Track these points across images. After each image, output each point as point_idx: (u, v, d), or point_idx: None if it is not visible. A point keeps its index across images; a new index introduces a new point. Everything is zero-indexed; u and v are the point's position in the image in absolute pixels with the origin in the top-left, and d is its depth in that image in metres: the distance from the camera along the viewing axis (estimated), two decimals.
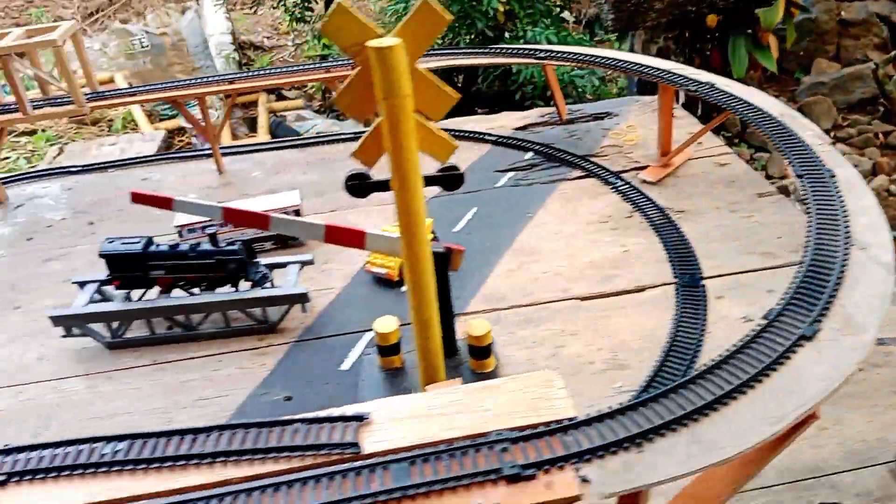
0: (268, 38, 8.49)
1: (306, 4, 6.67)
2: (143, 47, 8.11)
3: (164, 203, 1.77)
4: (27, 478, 1.17)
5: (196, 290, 2.20)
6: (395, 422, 1.25)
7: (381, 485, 1.12)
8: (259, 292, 2.17)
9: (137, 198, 1.80)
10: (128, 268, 2.11)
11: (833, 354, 1.39)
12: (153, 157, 3.72)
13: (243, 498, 1.11)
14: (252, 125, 6.43)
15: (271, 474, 1.16)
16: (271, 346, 2.21)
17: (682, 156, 3.34)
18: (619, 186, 3.16)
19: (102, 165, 3.58)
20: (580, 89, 5.15)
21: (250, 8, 8.48)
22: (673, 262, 2.57)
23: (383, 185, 1.51)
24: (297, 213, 2.68)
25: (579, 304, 2.39)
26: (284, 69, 3.52)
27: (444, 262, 1.85)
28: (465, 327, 1.92)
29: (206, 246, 2.13)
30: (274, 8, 7.74)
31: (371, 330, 2.19)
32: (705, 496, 1.36)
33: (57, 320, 2.17)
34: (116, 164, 3.60)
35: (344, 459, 1.18)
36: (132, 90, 3.35)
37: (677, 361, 2.06)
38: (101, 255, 2.09)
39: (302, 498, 1.11)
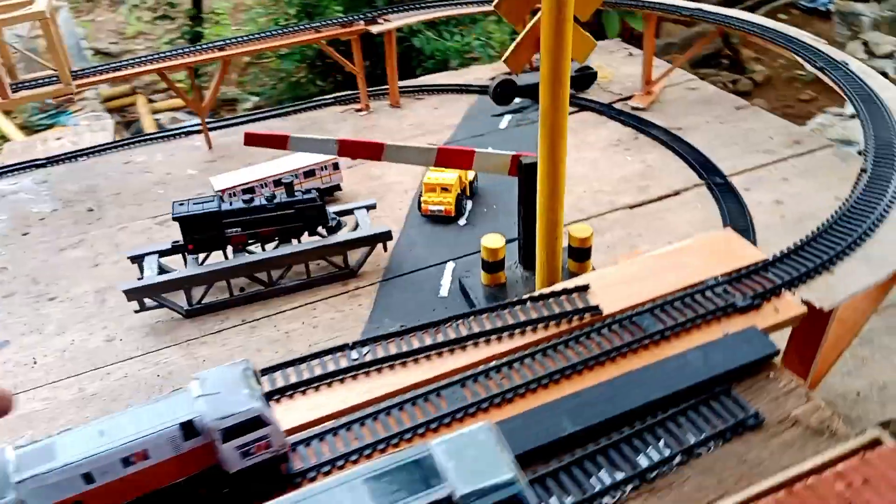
0: (114, 43, 7.78)
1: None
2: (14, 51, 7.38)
3: (280, 142, 1.74)
4: (299, 390, 1.16)
5: (270, 246, 2.15)
6: (611, 287, 1.35)
7: (633, 335, 1.21)
8: (346, 236, 2.15)
9: (251, 139, 1.75)
10: (203, 228, 2.03)
11: None
12: (133, 140, 3.51)
13: (516, 366, 1.17)
14: (129, 126, 6.06)
15: (526, 346, 1.22)
16: (360, 289, 2.21)
17: (658, 85, 3.60)
18: (616, 115, 3.39)
19: (85, 152, 3.36)
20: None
21: (87, 14, 7.75)
22: (694, 168, 2.80)
23: (531, 90, 1.57)
24: (336, 165, 2.67)
25: (630, 211, 2.58)
26: (273, 32, 3.43)
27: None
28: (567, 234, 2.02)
29: (283, 197, 2.08)
30: (113, 12, 7.17)
31: (450, 261, 2.32)
32: (853, 317, 1.57)
33: (132, 294, 2.05)
34: (97, 150, 3.38)
35: (587, 322, 1.26)
36: (116, 65, 3.13)
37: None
38: (176, 219, 1.99)
39: (564, 357, 1.18)
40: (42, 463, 0.76)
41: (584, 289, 1.32)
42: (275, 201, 2.07)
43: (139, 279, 2.12)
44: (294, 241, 2.16)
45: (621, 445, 1.01)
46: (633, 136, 3.14)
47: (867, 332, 1.84)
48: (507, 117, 3.62)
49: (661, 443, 1.02)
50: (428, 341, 1.23)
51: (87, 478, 0.77)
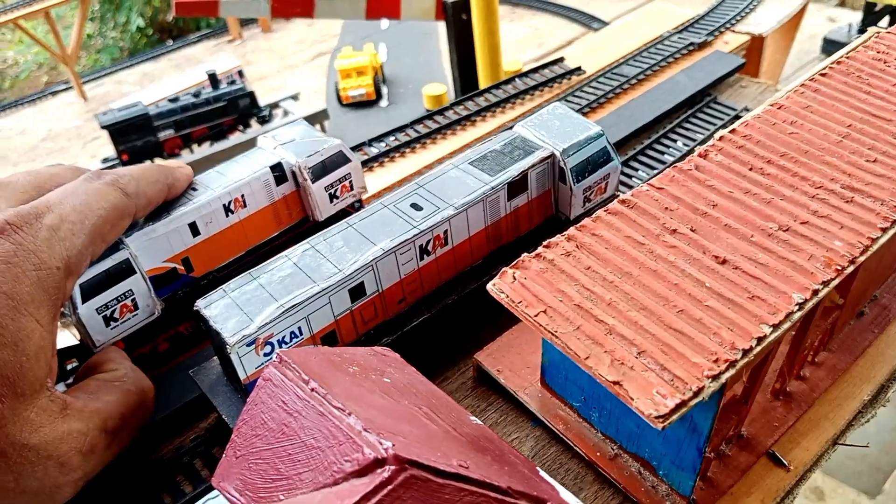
0: None
1: None
2: None
3: (210, 8, 1.65)
4: None
5: (207, 145, 2.07)
6: (581, 58, 1.43)
7: (619, 82, 1.30)
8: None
9: (182, 8, 1.65)
10: (135, 135, 1.92)
11: None
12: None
13: None
14: None
15: (530, 110, 1.28)
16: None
17: None
18: None
19: None
20: None
21: None
22: (577, 21, 2.95)
23: None
24: (241, 73, 2.56)
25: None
26: None
27: None
28: None
29: (209, 91, 2.00)
30: None
31: None
32: (778, 43, 1.75)
33: None
34: None
35: (575, 83, 1.34)
36: None
37: None
38: (105, 128, 1.87)
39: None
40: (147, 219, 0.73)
41: (560, 60, 1.40)
42: (202, 96, 1.98)
43: None
44: (232, 137, 2.09)
45: (646, 151, 1.11)
46: (511, 10, 3.25)
47: None
48: (385, 20, 3.61)
49: (679, 143, 1.13)
50: (443, 122, 1.26)
51: (193, 229, 0.76)
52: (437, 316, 0.74)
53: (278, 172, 0.80)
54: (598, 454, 0.63)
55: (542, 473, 0.48)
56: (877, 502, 2.24)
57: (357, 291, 0.67)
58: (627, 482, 0.60)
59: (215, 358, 0.72)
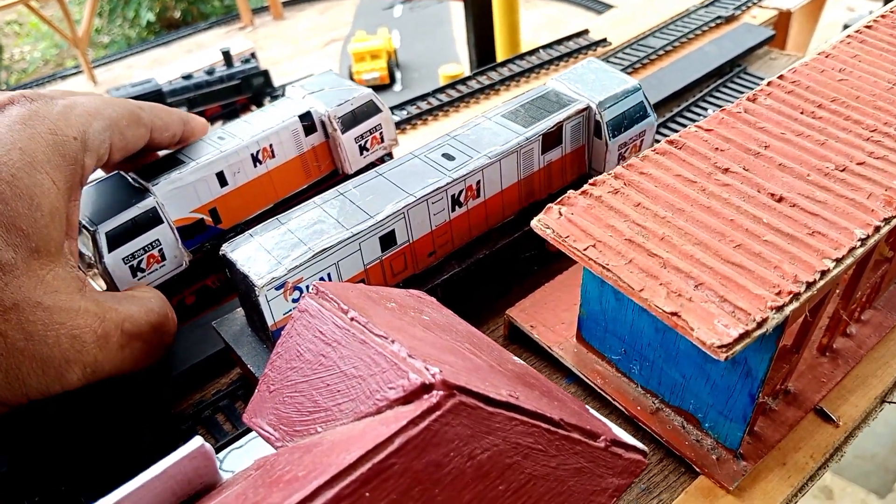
0: None
1: None
2: None
3: None
4: None
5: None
6: (607, 31, 1.40)
7: (646, 53, 1.28)
8: None
9: None
10: None
11: None
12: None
13: None
14: None
15: None
16: None
17: None
18: None
19: None
20: None
21: None
22: (591, 9, 2.92)
23: None
24: (253, 54, 2.54)
25: None
26: None
27: None
28: None
29: (223, 69, 1.98)
30: None
31: None
32: (806, 18, 1.71)
33: None
34: None
35: (600, 54, 1.31)
36: None
37: None
38: None
39: None
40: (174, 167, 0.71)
41: (584, 32, 1.37)
42: (216, 74, 1.96)
43: None
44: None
45: (675, 118, 1.08)
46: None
47: None
48: (398, 7, 3.59)
49: (710, 111, 1.10)
50: (464, 90, 1.24)
51: (221, 179, 0.74)
52: (468, 271, 0.72)
53: (307, 122, 0.78)
54: (639, 408, 0.60)
55: (592, 411, 0.46)
56: (886, 502, 2.21)
57: (388, 240, 0.65)
58: (670, 436, 0.58)
59: (239, 310, 0.69)
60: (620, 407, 0.61)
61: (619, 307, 0.58)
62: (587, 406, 0.47)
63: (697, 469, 0.56)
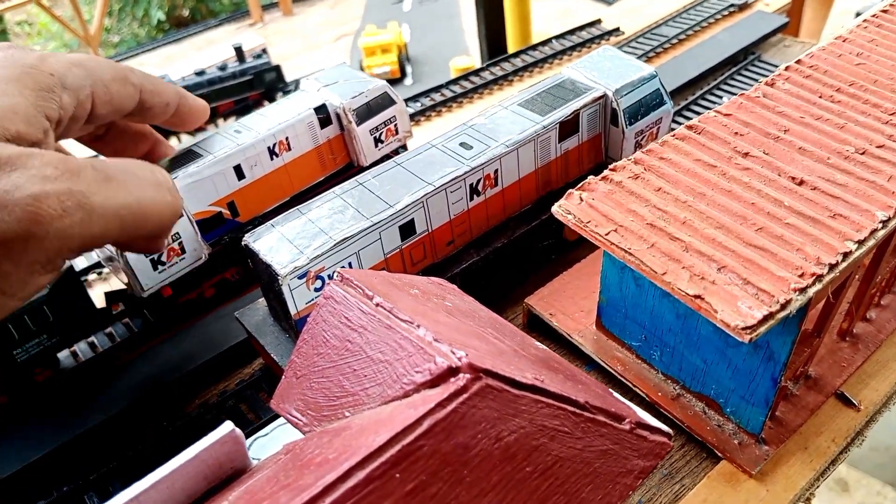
0: None
1: None
2: None
3: None
4: None
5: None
6: (617, 19, 1.40)
7: (659, 41, 1.27)
8: None
9: None
10: None
11: None
12: None
13: None
14: None
15: None
16: None
17: None
18: None
19: None
20: None
21: None
22: None
23: None
24: (265, 50, 2.55)
25: None
26: None
27: None
28: None
29: (236, 64, 1.99)
30: None
31: None
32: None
33: None
34: None
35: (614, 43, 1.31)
36: None
37: None
38: None
39: None
40: (192, 161, 0.72)
41: (597, 22, 1.37)
42: (228, 70, 1.97)
43: None
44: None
45: (690, 107, 1.08)
46: None
47: None
48: (408, 1, 3.59)
49: (725, 99, 1.10)
50: (477, 82, 1.24)
51: (238, 172, 0.75)
52: (486, 260, 0.72)
53: (322, 114, 0.78)
54: (660, 394, 0.60)
55: (616, 395, 0.46)
56: None
57: (407, 229, 0.66)
58: (692, 421, 0.58)
59: (261, 300, 0.70)
60: (641, 393, 0.61)
61: (639, 293, 0.58)
62: (611, 390, 0.47)
63: (719, 454, 0.56)
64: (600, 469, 0.40)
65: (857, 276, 0.64)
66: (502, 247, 0.72)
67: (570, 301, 0.70)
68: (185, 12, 5.45)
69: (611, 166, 0.54)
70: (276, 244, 0.61)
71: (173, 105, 0.65)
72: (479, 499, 0.37)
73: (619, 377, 0.63)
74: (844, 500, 2.23)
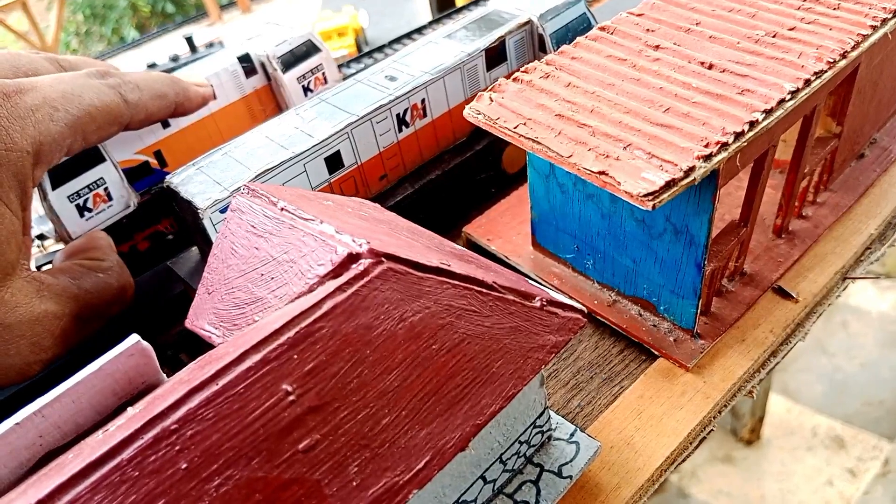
0: None
1: None
2: None
3: None
4: None
5: None
6: None
7: None
8: None
9: None
10: None
11: None
12: None
13: None
14: None
15: None
16: None
17: None
18: None
19: None
20: None
21: None
22: None
23: None
24: (222, 42, 2.52)
25: None
26: None
27: None
28: None
29: (188, 55, 1.96)
30: None
31: None
32: None
33: None
34: None
35: None
36: None
37: None
38: None
39: None
40: None
41: None
42: (181, 61, 1.94)
43: None
44: None
45: None
46: None
47: None
48: None
49: None
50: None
51: (163, 121, 0.73)
52: (421, 192, 0.71)
53: (247, 63, 0.77)
54: (596, 302, 0.60)
55: (531, 282, 0.46)
56: None
57: (334, 161, 0.65)
58: (629, 324, 0.58)
59: (194, 248, 0.69)
60: (578, 304, 0.61)
61: (565, 201, 0.58)
62: (525, 279, 0.46)
63: (655, 352, 0.56)
64: (510, 345, 0.40)
65: (780, 171, 0.64)
66: (437, 179, 0.72)
67: (507, 227, 0.70)
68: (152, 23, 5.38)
69: (522, 68, 0.53)
70: (198, 181, 0.60)
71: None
72: (384, 376, 0.37)
73: (557, 291, 0.62)
74: (841, 456, 2.25)
